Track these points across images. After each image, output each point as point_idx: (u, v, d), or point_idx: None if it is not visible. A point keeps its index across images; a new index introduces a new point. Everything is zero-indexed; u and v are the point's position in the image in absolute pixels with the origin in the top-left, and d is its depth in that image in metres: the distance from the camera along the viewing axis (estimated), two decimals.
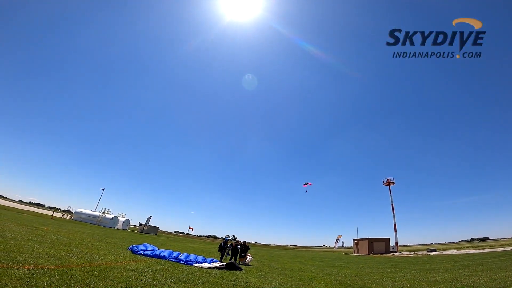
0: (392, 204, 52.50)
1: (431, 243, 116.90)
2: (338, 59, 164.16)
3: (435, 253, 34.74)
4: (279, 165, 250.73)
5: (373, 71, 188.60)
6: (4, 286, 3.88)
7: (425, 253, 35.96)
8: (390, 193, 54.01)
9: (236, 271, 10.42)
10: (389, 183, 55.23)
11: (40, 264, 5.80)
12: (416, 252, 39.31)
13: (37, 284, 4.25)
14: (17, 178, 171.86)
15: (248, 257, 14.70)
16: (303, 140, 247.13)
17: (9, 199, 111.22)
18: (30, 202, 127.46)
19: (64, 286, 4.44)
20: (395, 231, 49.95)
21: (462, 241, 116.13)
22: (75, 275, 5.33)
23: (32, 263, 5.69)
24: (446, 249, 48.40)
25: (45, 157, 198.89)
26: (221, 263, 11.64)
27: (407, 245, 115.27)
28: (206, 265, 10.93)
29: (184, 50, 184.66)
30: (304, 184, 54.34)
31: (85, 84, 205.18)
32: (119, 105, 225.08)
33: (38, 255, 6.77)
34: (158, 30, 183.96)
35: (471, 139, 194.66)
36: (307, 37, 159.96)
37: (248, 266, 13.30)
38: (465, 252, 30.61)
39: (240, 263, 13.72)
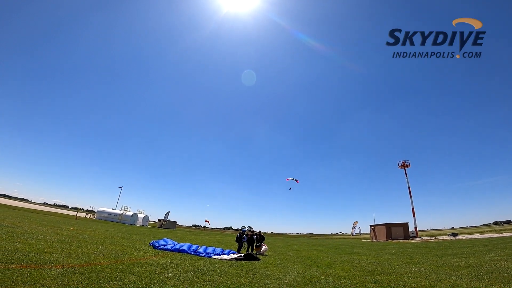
0: (409, 188, 51.31)
1: (452, 227, 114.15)
2: (339, 52, 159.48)
3: (457, 237, 33.88)
4: (292, 153, 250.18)
5: (376, 67, 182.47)
6: (39, 286, 4.12)
7: (446, 237, 35.14)
8: (406, 176, 52.68)
9: (254, 261, 10.63)
10: (404, 165, 53.64)
11: (70, 263, 6.11)
12: (436, 237, 38.49)
13: (69, 283, 4.48)
14: (41, 181, 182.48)
15: (263, 247, 14.82)
16: (313, 127, 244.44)
17: (34, 202, 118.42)
18: (54, 204, 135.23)
19: (94, 283, 4.67)
20: (414, 215, 48.96)
21: (484, 224, 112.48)
22: (103, 272, 5.60)
23: (62, 263, 6.00)
24: (468, 233, 47.10)
25: (65, 160, 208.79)
26: (239, 254, 11.88)
27: (427, 230, 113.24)
28: (225, 256, 11.21)
29: (187, 45, 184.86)
30: (287, 179, 40.29)
31: (93, 85, 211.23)
32: (130, 104, 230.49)
33: (67, 255, 7.12)
34: (157, 28, 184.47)
35: (491, 118, 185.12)
36: (307, 30, 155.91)
37: (264, 256, 13.51)
38: (488, 236, 29.65)
39: (256, 253, 13.94)
